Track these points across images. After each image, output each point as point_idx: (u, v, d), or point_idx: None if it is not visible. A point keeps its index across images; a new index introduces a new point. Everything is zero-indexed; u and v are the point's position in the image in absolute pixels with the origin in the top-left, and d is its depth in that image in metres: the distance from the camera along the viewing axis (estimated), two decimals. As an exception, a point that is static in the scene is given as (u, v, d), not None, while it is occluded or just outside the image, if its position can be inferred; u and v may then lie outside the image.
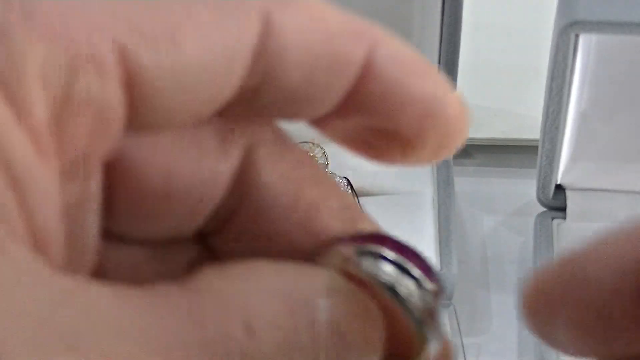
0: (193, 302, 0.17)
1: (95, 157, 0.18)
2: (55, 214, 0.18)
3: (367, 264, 0.19)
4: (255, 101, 0.20)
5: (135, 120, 0.19)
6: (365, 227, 0.21)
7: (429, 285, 0.19)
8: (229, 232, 0.21)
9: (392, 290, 0.19)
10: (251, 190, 0.21)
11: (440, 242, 0.60)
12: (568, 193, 0.63)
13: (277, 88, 0.19)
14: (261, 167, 0.21)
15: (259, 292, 0.18)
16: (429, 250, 0.59)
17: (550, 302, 0.19)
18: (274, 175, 0.21)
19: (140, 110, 0.18)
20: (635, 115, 0.62)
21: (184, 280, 0.18)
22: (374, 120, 0.20)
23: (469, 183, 0.69)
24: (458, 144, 0.21)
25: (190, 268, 0.21)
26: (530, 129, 0.68)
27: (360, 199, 0.62)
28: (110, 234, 0.20)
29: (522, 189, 0.68)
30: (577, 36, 0.55)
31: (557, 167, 0.61)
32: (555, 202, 0.62)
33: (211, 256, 0.22)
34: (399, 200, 0.62)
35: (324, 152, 0.61)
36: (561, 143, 0.60)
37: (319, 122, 0.21)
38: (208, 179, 0.20)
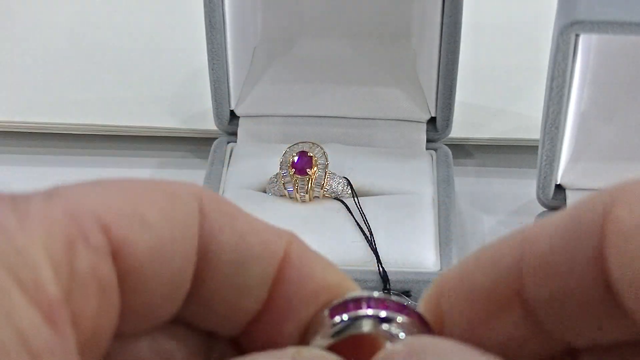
0: None
1: (104, 336, 0.21)
2: None
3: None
4: (199, 291, 0.23)
5: (126, 303, 0.21)
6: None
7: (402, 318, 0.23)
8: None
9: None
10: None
11: (440, 242, 0.60)
12: (568, 193, 0.63)
13: (214, 272, 0.22)
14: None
15: None
16: (429, 250, 0.59)
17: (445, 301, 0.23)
18: None
19: (127, 288, 0.21)
20: (635, 115, 0.62)
21: None
22: (294, 315, 0.23)
23: (469, 183, 0.69)
24: None
25: None
26: (530, 129, 0.68)
27: (360, 199, 0.61)
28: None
29: (522, 189, 0.68)
30: (577, 36, 0.55)
31: (557, 167, 0.61)
32: (555, 202, 0.62)
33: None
34: (399, 200, 0.62)
35: (324, 152, 0.61)
36: (561, 143, 0.60)
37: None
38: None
